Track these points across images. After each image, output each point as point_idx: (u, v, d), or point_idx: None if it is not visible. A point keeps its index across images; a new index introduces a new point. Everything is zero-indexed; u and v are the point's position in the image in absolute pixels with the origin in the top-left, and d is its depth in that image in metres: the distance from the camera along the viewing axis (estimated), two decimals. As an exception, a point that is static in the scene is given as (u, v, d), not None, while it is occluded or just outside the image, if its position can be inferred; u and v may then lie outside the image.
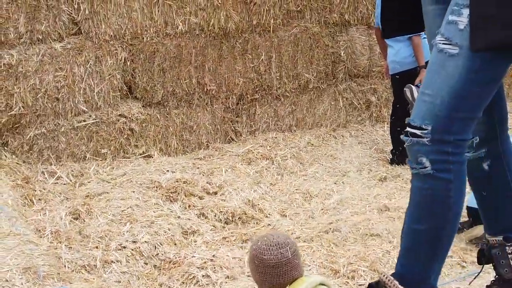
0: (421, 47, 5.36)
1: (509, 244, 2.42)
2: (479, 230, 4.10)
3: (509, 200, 2.43)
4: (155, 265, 3.89)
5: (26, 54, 5.04)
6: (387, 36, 5.48)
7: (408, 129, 2.16)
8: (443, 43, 2.13)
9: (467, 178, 2.21)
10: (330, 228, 4.36)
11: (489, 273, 2.87)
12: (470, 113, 2.13)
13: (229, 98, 5.98)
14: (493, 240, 2.44)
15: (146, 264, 3.88)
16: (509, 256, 2.41)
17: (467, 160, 2.21)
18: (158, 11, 5.42)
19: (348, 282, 3.65)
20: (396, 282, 2.22)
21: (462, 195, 2.19)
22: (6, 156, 4.98)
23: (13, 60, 4.98)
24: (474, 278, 2.85)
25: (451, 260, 3.85)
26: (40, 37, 5.10)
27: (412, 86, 4.91)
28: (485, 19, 2.02)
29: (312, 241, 4.18)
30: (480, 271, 2.66)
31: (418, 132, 2.13)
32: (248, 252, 2.80)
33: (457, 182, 2.15)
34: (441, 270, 2.27)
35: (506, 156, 2.41)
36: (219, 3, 5.56)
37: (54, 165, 5.19)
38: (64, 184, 5.01)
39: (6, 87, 5.01)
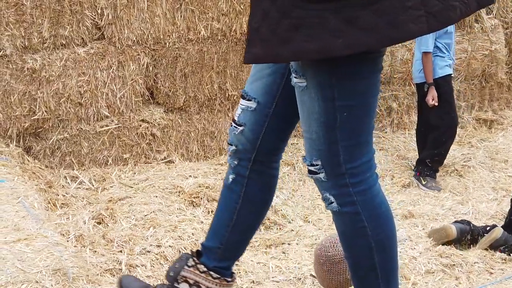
0: (430, 64, 5.34)
1: None
2: (496, 233, 4.07)
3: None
4: (180, 270, 3.87)
5: (49, 59, 5.06)
6: None
7: (307, 167, 2.05)
8: (294, 77, 1.96)
9: (381, 197, 2.06)
10: (354, 234, 4.33)
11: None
12: (351, 140, 1.95)
13: (250, 104, 5.96)
14: None
15: (171, 268, 3.87)
16: None
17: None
18: (181, 16, 5.42)
19: (375, 288, 3.62)
20: None
21: (381, 218, 2.04)
22: (29, 161, 4.99)
23: (36, 65, 5.00)
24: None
25: (478, 267, 3.82)
26: (64, 42, 5.12)
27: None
28: (251, 33, 1.86)
29: (337, 246, 4.15)
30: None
31: (313, 169, 2.01)
32: (314, 254, 2.77)
33: (366, 211, 2.00)
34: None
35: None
36: (241, 8, 5.55)
37: (77, 170, 5.19)
38: (87, 189, 5.02)
39: (29, 91, 5.03)
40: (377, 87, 1.97)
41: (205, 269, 2.27)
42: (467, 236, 4.18)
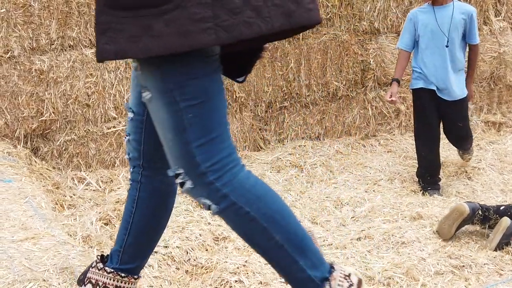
0: (399, 61, 5.24)
1: None
2: (505, 222, 4.04)
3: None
4: (187, 270, 3.85)
5: (57, 60, 5.07)
6: None
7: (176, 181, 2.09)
8: (142, 91, 2.07)
9: (253, 180, 2.11)
10: (363, 236, 4.32)
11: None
12: (203, 139, 2.01)
13: (258, 106, 5.96)
14: None
15: (178, 269, 3.85)
16: None
17: None
18: (188, 18, 5.41)
19: (383, 289, 3.60)
20: None
21: (259, 198, 2.07)
22: (36, 162, 4.99)
23: (44, 66, 5.00)
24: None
25: (488, 269, 3.79)
26: (71, 44, 5.12)
27: None
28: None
29: (345, 248, 4.14)
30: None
31: (179, 180, 2.04)
32: None
33: (242, 198, 2.05)
34: (314, 260, 2.14)
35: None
36: (249, 10, 5.54)
37: (84, 171, 5.19)
38: (94, 190, 5.01)
39: (37, 93, 5.03)
40: (217, 84, 2.04)
41: (111, 269, 2.42)
42: (478, 212, 4.19)
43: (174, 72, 1.97)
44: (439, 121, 5.22)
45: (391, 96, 5.10)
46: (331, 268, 2.10)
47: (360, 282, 2.10)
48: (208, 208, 2.06)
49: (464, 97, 5.18)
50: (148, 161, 2.34)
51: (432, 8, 5.11)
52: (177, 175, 2.05)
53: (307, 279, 2.07)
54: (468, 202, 4.30)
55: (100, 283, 2.41)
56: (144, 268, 3.74)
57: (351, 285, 2.06)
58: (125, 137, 2.40)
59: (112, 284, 2.43)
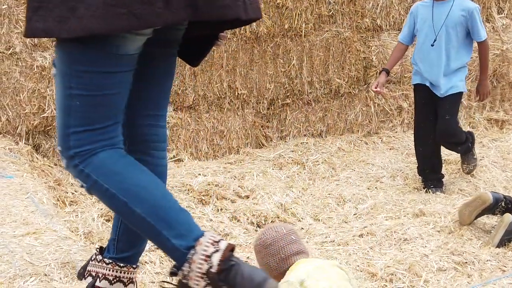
0: (394, 50, 5.27)
1: None
2: (507, 218, 4.04)
3: None
4: (189, 266, 3.84)
5: (59, 56, 5.05)
6: None
7: None
8: (52, 65, 2.21)
9: (115, 157, 2.19)
10: (365, 232, 4.31)
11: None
12: (80, 127, 2.13)
13: (260, 103, 5.95)
14: None
15: (180, 265, 3.84)
16: None
17: None
18: (190, 14, 5.40)
19: (386, 286, 3.58)
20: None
21: (118, 174, 2.16)
22: (38, 159, 4.98)
23: (46, 63, 5.00)
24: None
25: (491, 265, 3.78)
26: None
27: None
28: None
29: (347, 244, 4.12)
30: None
31: (61, 155, 2.19)
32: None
33: (102, 176, 2.14)
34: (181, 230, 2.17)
35: None
36: (251, 7, 5.53)
37: (86, 168, 5.17)
38: (96, 187, 5.00)
39: (38, 89, 5.02)
40: (118, 83, 2.15)
41: (110, 260, 2.43)
42: (501, 203, 4.17)
43: (79, 61, 2.09)
44: (435, 116, 5.13)
45: (376, 86, 5.07)
46: (201, 236, 2.13)
47: (228, 247, 2.12)
48: (81, 186, 2.20)
49: (455, 93, 5.03)
50: (132, 143, 2.37)
51: (432, 3, 5.05)
52: (59, 150, 2.18)
53: (172, 248, 2.13)
54: (493, 192, 4.30)
55: (100, 275, 2.40)
56: (145, 264, 3.75)
57: (217, 250, 2.08)
58: None
59: (112, 275, 2.42)
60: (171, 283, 2.22)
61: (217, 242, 2.10)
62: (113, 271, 2.42)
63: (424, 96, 5.11)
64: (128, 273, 2.45)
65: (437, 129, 5.05)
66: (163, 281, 2.34)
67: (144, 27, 2.05)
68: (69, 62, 2.10)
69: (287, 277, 2.53)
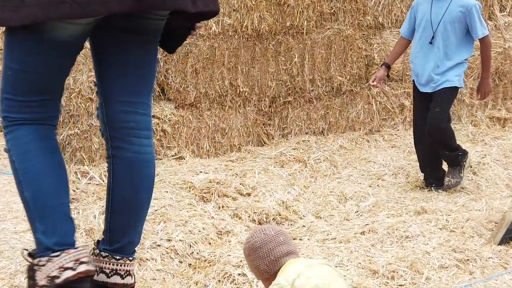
0: (396, 45, 5.29)
1: None
2: (509, 216, 4.01)
3: None
4: (190, 264, 3.84)
5: (60, 54, 5.05)
6: None
7: None
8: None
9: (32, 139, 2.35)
10: (367, 230, 4.30)
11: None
12: (9, 95, 2.34)
13: (261, 101, 5.94)
14: None
15: (181, 262, 3.84)
16: None
17: None
18: (192, 12, 5.40)
19: (388, 283, 3.57)
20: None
21: (25, 154, 2.32)
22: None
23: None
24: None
25: (493, 262, 3.77)
26: (75, 37, 5.11)
27: None
28: None
29: (349, 242, 4.12)
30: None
31: None
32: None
33: (14, 148, 2.33)
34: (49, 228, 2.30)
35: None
36: (252, 4, 5.53)
37: (87, 165, 5.17)
38: (97, 184, 4.99)
39: (40, 86, 5.02)
40: (44, 64, 2.30)
41: (106, 253, 2.47)
42: None
43: (14, 39, 2.30)
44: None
45: (374, 80, 5.05)
46: (70, 247, 2.28)
47: (87, 272, 2.24)
48: (4, 147, 2.41)
49: (448, 87, 4.93)
50: (111, 129, 2.45)
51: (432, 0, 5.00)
52: None
53: (37, 239, 2.30)
54: None
55: (97, 269, 2.40)
56: (147, 261, 3.74)
57: (74, 268, 2.22)
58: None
59: (108, 268, 2.44)
60: (28, 260, 2.33)
61: (80, 263, 2.22)
62: (109, 264, 2.44)
63: (419, 92, 5.08)
64: (124, 266, 2.47)
65: (427, 123, 4.93)
66: (25, 249, 2.39)
67: (88, 15, 2.18)
68: (8, 40, 2.32)
69: (278, 279, 2.55)
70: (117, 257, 2.45)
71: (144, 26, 2.39)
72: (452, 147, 4.99)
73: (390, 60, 5.20)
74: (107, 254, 2.45)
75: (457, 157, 4.99)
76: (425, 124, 4.95)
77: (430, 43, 4.96)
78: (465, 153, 5.04)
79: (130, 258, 2.49)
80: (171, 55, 5.43)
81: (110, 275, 2.45)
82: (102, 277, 2.44)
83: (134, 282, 2.53)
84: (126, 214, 2.46)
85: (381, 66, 5.18)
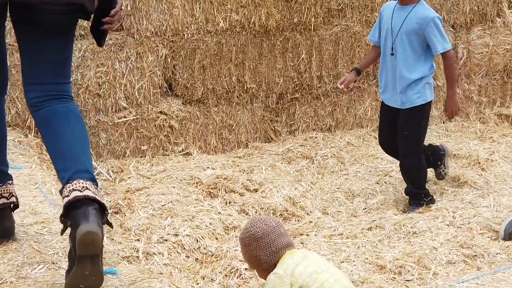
0: (369, 51, 5.11)
1: None
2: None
3: None
4: (197, 258, 3.85)
5: (68, 49, 5.06)
6: None
7: None
8: None
9: None
10: (374, 226, 4.29)
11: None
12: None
13: (269, 97, 5.93)
14: None
15: (188, 257, 3.85)
16: None
17: None
18: (199, 8, 5.40)
19: (395, 278, 3.57)
20: None
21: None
22: (47, 152, 4.98)
23: (55, 56, 5.00)
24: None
25: (501, 258, 3.76)
26: (82, 33, 5.12)
27: None
28: None
29: (356, 237, 4.11)
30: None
31: None
32: (239, 243, 2.89)
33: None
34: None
35: None
36: (260, 0, 5.53)
37: (95, 161, 5.18)
38: (104, 180, 5.01)
39: (48, 82, 5.02)
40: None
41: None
42: None
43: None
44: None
45: (342, 83, 4.74)
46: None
47: (86, 197, 2.49)
48: None
49: (415, 106, 4.53)
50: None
51: (394, 7, 4.56)
52: None
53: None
54: None
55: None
56: (153, 255, 3.75)
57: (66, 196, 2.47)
58: None
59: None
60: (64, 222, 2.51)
61: (85, 188, 2.51)
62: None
63: (384, 108, 4.79)
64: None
65: (399, 153, 4.70)
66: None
67: None
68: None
69: (277, 270, 2.62)
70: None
71: (35, 18, 2.64)
72: (419, 185, 4.70)
73: (361, 66, 4.90)
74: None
75: (419, 196, 4.66)
76: (390, 137, 4.73)
77: (392, 54, 4.57)
78: (431, 200, 4.69)
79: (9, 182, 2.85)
80: (179, 51, 5.44)
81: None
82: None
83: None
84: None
85: (351, 70, 4.88)
